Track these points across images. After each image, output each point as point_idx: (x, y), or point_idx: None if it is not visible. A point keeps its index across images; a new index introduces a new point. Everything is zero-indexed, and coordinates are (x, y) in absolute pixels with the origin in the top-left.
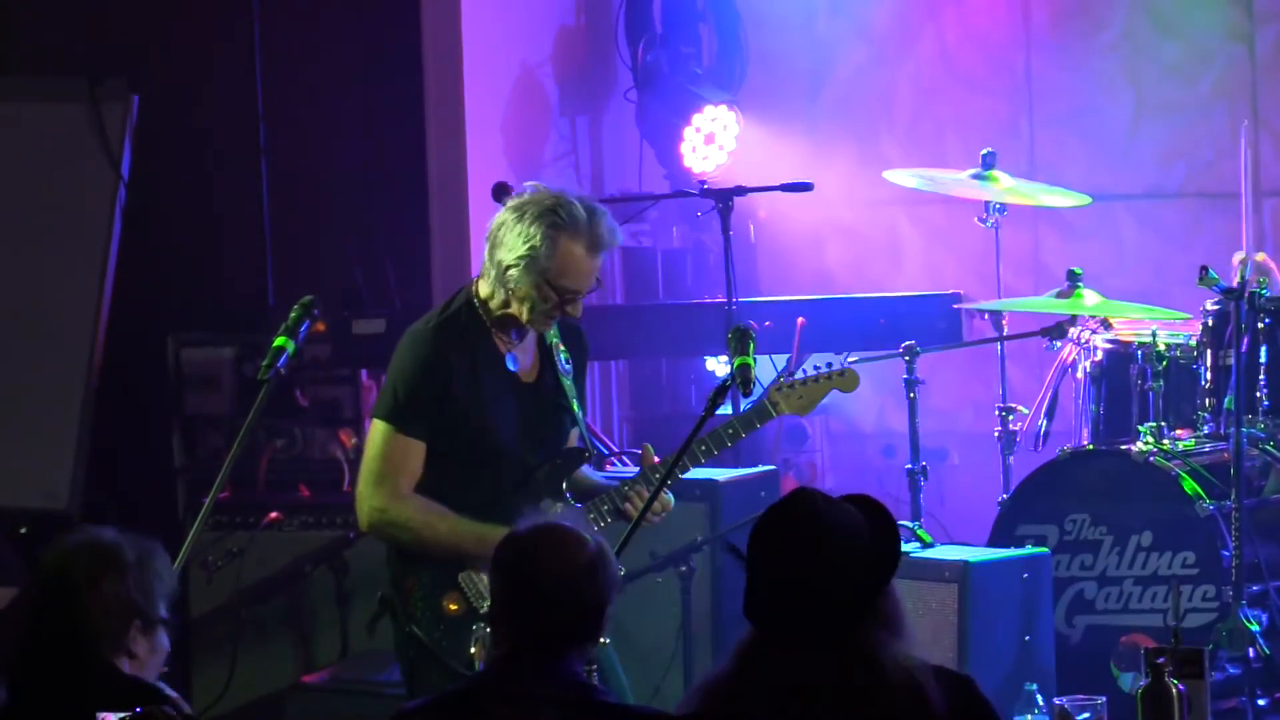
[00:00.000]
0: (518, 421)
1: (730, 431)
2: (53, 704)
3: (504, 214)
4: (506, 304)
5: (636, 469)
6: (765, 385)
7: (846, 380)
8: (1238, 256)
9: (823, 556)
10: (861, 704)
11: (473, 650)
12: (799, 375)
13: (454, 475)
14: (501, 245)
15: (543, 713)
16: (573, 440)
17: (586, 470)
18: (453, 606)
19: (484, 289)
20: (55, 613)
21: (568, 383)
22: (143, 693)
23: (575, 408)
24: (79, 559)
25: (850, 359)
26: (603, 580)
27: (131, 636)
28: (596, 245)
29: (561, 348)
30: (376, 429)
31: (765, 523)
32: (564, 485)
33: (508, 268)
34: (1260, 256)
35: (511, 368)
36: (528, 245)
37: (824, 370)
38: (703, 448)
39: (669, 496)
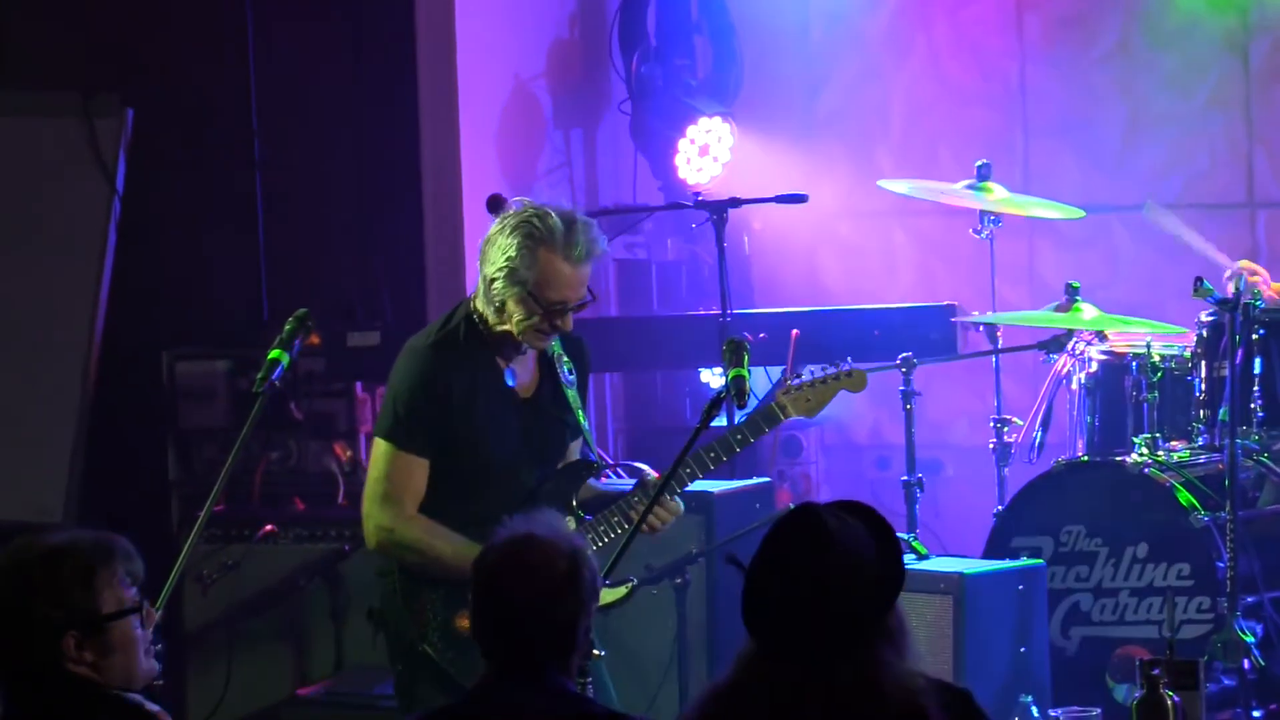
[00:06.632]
0: (516, 438)
1: (739, 437)
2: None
3: (492, 229)
4: (501, 320)
5: (633, 480)
6: (760, 398)
7: (854, 380)
8: (1227, 273)
9: (832, 574)
10: None
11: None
12: (806, 377)
13: (454, 492)
14: (486, 260)
15: None
16: (573, 453)
17: (592, 482)
18: (465, 624)
19: (480, 304)
20: None
21: (571, 394)
22: (106, 703)
23: (581, 419)
24: None
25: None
26: (578, 594)
27: (70, 647)
28: (574, 255)
29: (565, 358)
30: (379, 448)
31: (773, 538)
32: (573, 499)
33: (491, 281)
34: (1243, 263)
35: (510, 383)
36: (506, 258)
37: (831, 371)
38: (711, 454)
39: (679, 503)
